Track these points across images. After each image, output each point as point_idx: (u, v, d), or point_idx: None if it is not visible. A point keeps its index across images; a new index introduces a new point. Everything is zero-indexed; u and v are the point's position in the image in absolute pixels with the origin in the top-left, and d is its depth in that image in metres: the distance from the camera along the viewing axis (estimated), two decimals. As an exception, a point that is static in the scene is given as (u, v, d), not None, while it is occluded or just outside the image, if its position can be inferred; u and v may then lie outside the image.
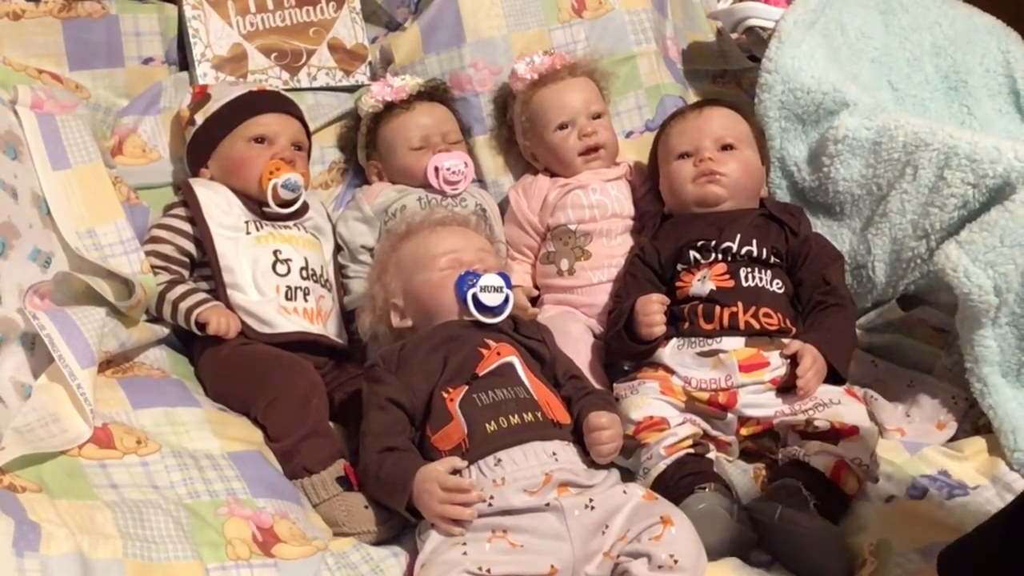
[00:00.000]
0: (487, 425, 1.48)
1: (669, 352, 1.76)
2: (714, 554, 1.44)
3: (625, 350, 1.81)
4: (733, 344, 1.72)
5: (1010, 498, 1.63)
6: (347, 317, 1.94)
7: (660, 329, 1.75)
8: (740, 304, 1.76)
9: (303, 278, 1.87)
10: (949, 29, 2.30)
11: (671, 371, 1.73)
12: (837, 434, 1.61)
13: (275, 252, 1.86)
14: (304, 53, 2.26)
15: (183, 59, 2.20)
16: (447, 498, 1.40)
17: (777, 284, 1.82)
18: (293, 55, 2.25)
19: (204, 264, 1.86)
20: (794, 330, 1.77)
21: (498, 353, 1.59)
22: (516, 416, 1.50)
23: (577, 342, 1.87)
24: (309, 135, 2.07)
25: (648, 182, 2.09)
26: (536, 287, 2.10)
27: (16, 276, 1.60)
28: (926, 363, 1.92)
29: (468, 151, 2.18)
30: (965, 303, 1.74)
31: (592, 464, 1.51)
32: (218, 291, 1.82)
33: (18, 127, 1.76)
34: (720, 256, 1.83)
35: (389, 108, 2.11)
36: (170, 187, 2.05)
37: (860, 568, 1.42)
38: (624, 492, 1.44)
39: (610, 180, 2.09)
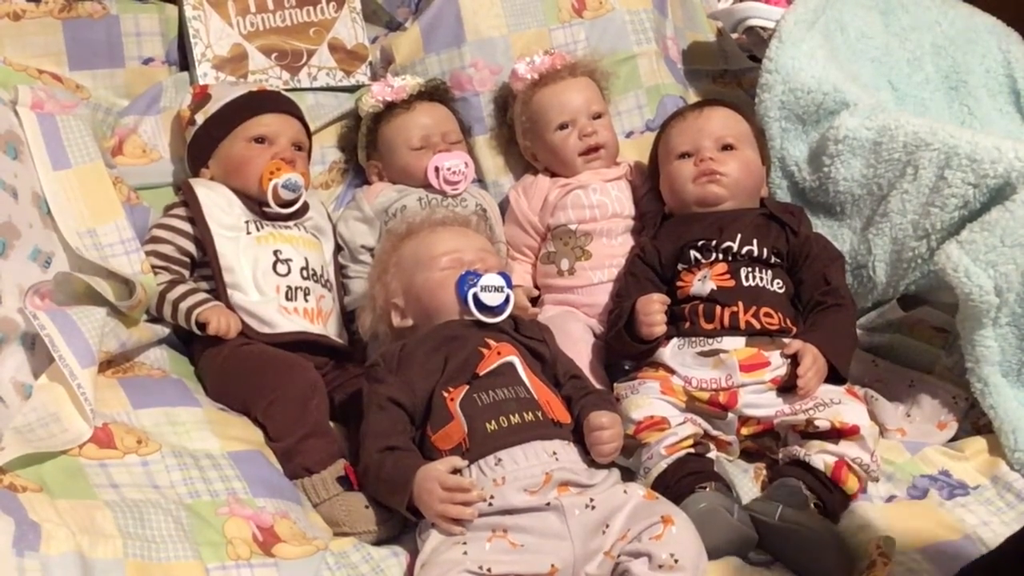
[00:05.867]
0: (487, 424, 1.48)
1: (670, 352, 1.76)
2: (714, 553, 1.44)
3: (626, 350, 1.81)
4: (734, 344, 1.72)
5: (1011, 498, 1.64)
6: (347, 317, 1.94)
7: (661, 329, 1.75)
8: (741, 304, 1.76)
9: (303, 278, 1.87)
10: (949, 29, 2.30)
11: (672, 371, 1.73)
12: (838, 434, 1.61)
13: (275, 252, 1.86)
14: (304, 53, 2.26)
15: (183, 59, 2.20)
16: (448, 497, 1.40)
17: (778, 284, 1.82)
18: (293, 55, 2.25)
19: (204, 264, 1.86)
20: (795, 330, 1.77)
21: (499, 353, 1.59)
22: (517, 416, 1.50)
23: (577, 342, 1.87)
24: (309, 135, 2.07)
25: (648, 182, 2.09)
26: (536, 287, 2.10)
27: (16, 276, 1.60)
28: (927, 363, 1.92)
29: (468, 151, 2.17)
30: (966, 303, 1.74)
31: (593, 464, 1.51)
32: (218, 291, 1.82)
33: (19, 127, 1.76)
34: (721, 256, 1.83)
35: (389, 108, 2.11)
36: (170, 187, 2.05)
37: (870, 568, 1.41)
38: (625, 492, 1.44)
39: (610, 180, 2.09)
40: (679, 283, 1.85)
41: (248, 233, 1.87)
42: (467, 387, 1.54)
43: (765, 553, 1.51)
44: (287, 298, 1.83)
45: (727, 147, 1.93)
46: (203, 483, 1.45)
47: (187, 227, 1.86)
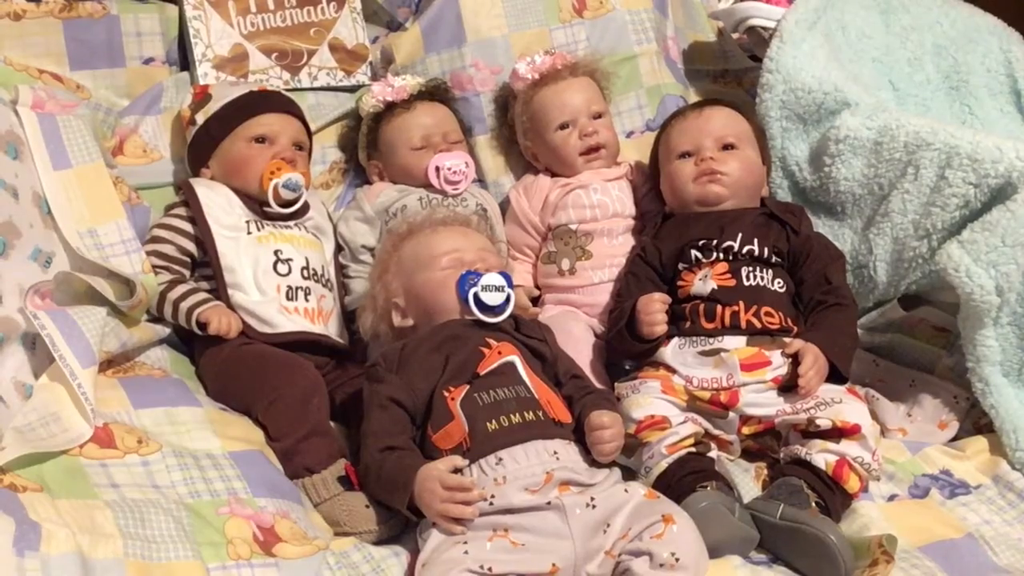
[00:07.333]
0: (488, 424, 1.48)
1: (670, 351, 1.75)
2: (716, 552, 1.44)
3: (626, 349, 1.81)
4: (735, 343, 1.72)
5: (1012, 497, 1.64)
6: (348, 317, 1.94)
7: (661, 328, 1.75)
8: (741, 303, 1.76)
9: (304, 278, 1.87)
10: (950, 29, 2.30)
11: (672, 370, 1.73)
12: (839, 433, 1.61)
13: (276, 252, 1.86)
14: (305, 53, 2.26)
15: (184, 59, 2.20)
16: (448, 497, 1.40)
17: (778, 283, 1.81)
18: (294, 55, 2.25)
19: (205, 264, 1.86)
20: (795, 329, 1.77)
21: (499, 352, 1.59)
22: (517, 415, 1.50)
23: (578, 342, 1.87)
24: (310, 135, 2.07)
25: (649, 182, 2.09)
26: (537, 287, 2.10)
27: (17, 276, 1.60)
28: (928, 363, 1.92)
29: (469, 151, 2.17)
30: (967, 303, 1.74)
31: (593, 463, 1.51)
32: (219, 291, 1.82)
33: (19, 127, 1.76)
34: (721, 255, 1.83)
35: (390, 108, 2.11)
36: (171, 187, 2.05)
37: (872, 567, 1.41)
38: (625, 491, 1.44)
39: (611, 180, 2.09)
40: (680, 282, 1.85)
41: (249, 233, 1.87)
42: (468, 386, 1.54)
43: (766, 552, 1.52)
44: (288, 298, 1.83)
45: (728, 147, 1.93)
46: (204, 483, 1.45)
47: (188, 227, 1.86)
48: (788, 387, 1.68)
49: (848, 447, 1.59)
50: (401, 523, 1.53)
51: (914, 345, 1.95)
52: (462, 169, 2.07)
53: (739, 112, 2.01)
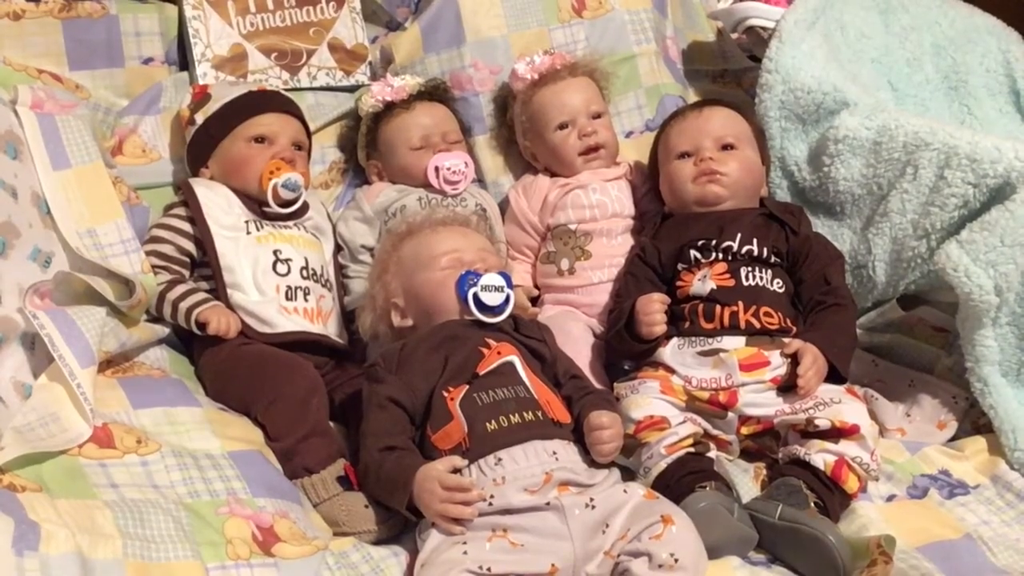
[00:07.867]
0: (487, 424, 1.48)
1: (670, 351, 1.76)
2: (715, 553, 1.44)
3: (626, 349, 1.81)
4: (734, 343, 1.72)
5: (1011, 497, 1.64)
6: (347, 317, 1.94)
7: (661, 328, 1.75)
8: (741, 303, 1.76)
9: (303, 278, 1.87)
10: (949, 29, 2.30)
11: (671, 370, 1.73)
12: (838, 433, 1.61)
13: (275, 252, 1.86)
14: (304, 53, 2.26)
15: (183, 59, 2.20)
16: (448, 497, 1.40)
17: (777, 283, 1.82)
18: (293, 55, 2.25)
19: (204, 264, 1.86)
20: (794, 329, 1.77)
21: (499, 352, 1.59)
22: (516, 415, 1.50)
23: (577, 342, 1.87)
24: (309, 135, 2.07)
25: (648, 182, 2.09)
26: (536, 287, 2.10)
27: (16, 276, 1.60)
28: (926, 363, 1.92)
29: (468, 151, 2.17)
30: (966, 303, 1.74)
31: (593, 463, 1.51)
32: (218, 291, 1.82)
33: (18, 127, 1.76)
34: (721, 255, 1.83)
35: (389, 108, 2.11)
36: (170, 187, 2.05)
37: (870, 567, 1.41)
38: (625, 491, 1.44)
39: (610, 180, 2.09)
40: (679, 283, 1.85)
41: (248, 233, 1.87)
42: (467, 387, 1.54)
43: (765, 552, 1.52)
44: (287, 298, 1.83)
45: (727, 147, 1.93)
46: (203, 483, 1.45)
47: (187, 227, 1.86)
48: (787, 387, 1.69)
49: (847, 447, 1.60)
50: (400, 523, 1.53)
51: (913, 345, 1.95)
52: (461, 169, 2.07)
53: (738, 112, 2.01)
